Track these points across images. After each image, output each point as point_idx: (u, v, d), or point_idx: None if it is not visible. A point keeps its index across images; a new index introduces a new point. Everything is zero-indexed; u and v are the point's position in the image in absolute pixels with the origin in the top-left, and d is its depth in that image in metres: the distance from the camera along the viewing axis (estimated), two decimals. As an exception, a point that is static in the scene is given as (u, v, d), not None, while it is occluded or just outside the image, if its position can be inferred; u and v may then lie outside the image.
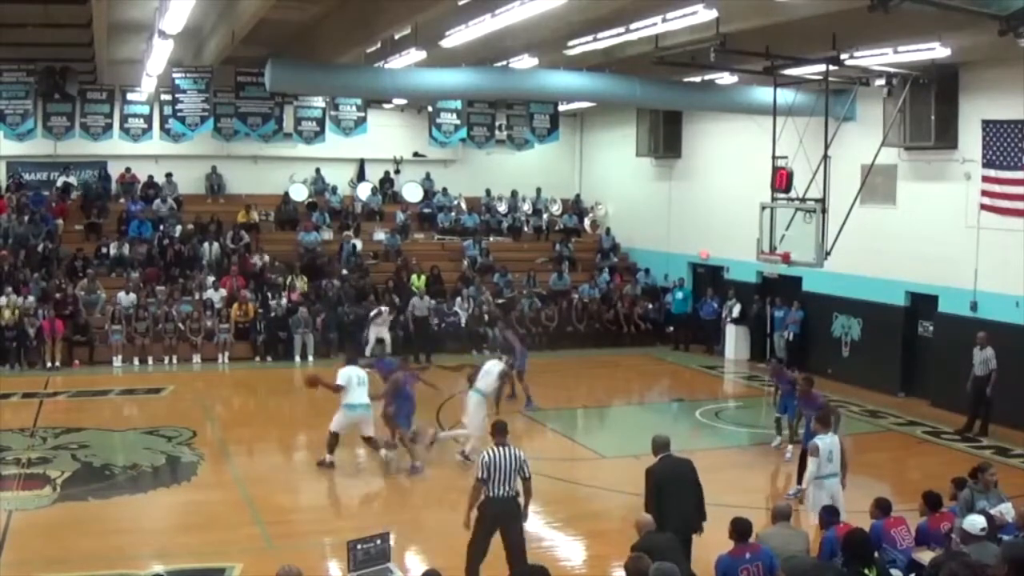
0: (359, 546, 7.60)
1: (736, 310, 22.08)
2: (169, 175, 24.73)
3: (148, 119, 22.20)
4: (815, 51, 14.52)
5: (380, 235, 25.16)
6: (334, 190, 26.16)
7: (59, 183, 24.05)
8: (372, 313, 21.18)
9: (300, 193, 25.94)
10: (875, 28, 12.69)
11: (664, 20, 12.92)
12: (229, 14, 15.55)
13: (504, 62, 17.44)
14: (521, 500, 8.88)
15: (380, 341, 20.81)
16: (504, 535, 8.63)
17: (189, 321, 20.91)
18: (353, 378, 12.89)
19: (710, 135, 23.42)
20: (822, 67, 14.63)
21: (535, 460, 12.76)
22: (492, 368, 13.89)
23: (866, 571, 6.92)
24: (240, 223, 24.21)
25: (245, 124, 21.62)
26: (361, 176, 26.77)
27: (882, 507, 8.46)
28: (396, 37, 15.76)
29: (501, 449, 8.70)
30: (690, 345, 23.11)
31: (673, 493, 8.60)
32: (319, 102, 22.86)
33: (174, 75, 20.53)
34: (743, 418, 16.92)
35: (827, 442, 10.20)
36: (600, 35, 14.60)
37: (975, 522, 7.45)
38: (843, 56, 14.24)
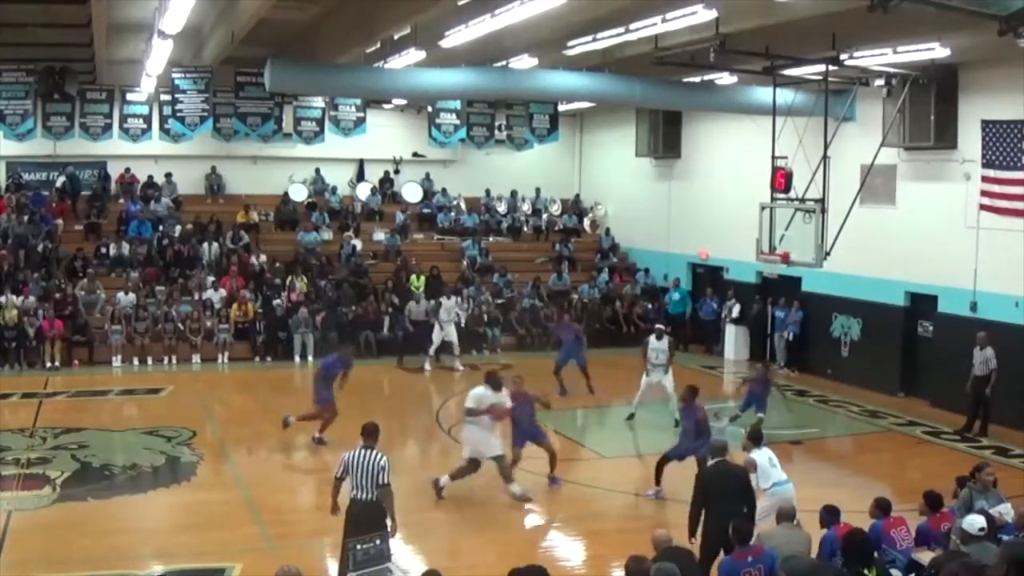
0: (359, 546, 7.61)
1: (736, 310, 22.06)
2: (169, 175, 24.70)
3: (148, 119, 22.20)
4: (815, 51, 14.52)
5: (380, 235, 25.13)
6: (334, 190, 26.14)
7: (58, 183, 24.04)
8: (438, 305, 20.68)
9: (299, 193, 25.91)
10: (875, 28, 12.69)
11: (664, 20, 12.91)
12: (229, 14, 15.55)
13: (504, 62, 17.44)
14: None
15: (447, 342, 20.30)
16: None
17: (189, 321, 20.89)
18: None
19: (710, 135, 23.41)
20: (821, 67, 14.63)
21: (535, 460, 12.81)
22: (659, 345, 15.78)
23: (865, 571, 6.91)
24: (240, 223, 24.18)
25: (245, 124, 21.63)
26: (361, 176, 26.75)
27: (882, 507, 8.45)
28: (396, 37, 15.75)
29: (364, 452, 8.63)
30: (689, 345, 23.08)
31: (720, 499, 8.56)
32: (318, 102, 22.87)
33: (174, 75, 20.56)
34: (743, 418, 16.88)
35: (762, 453, 9.80)
36: (600, 35, 14.59)
37: (974, 522, 7.44)
38: (843, 56, 14.24)
